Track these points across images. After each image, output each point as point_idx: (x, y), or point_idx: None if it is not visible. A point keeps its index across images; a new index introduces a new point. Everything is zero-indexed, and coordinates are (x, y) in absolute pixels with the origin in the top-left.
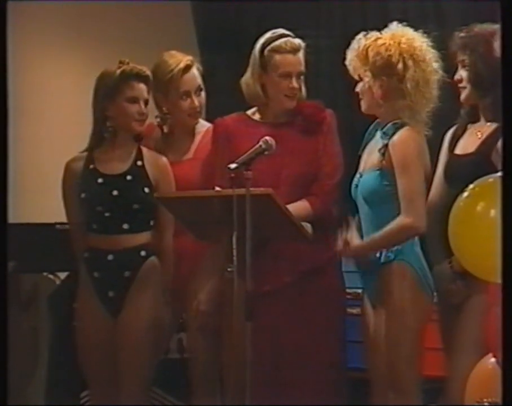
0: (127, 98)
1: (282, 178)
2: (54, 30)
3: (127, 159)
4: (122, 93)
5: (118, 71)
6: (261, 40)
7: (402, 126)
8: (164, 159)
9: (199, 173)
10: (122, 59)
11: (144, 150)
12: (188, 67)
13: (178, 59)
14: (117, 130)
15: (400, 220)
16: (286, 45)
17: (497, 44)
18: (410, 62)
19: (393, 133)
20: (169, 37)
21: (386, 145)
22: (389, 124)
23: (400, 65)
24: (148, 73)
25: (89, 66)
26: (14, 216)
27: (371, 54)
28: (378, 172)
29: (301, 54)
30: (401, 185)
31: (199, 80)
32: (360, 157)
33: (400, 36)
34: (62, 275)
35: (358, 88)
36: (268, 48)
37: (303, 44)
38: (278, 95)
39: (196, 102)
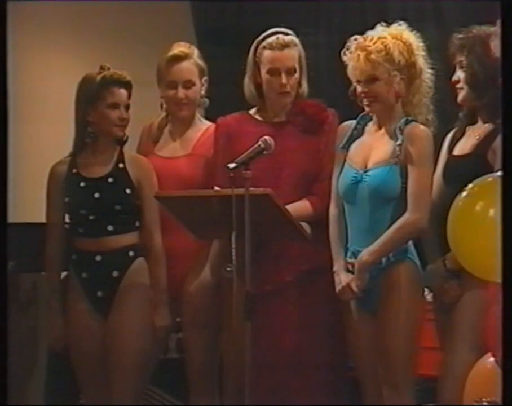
0: (108, 104)
1: (283, 177)
2: (54, 30)
3: (109, 162)
4: (103, 100)
5: (99, 77)
6: (257, 39)
7: (412, 121)
8: (146, 160)
9: (201, 173)
10: (103, 65)
11: (126, 152)
12: (177, 58)
13: (172, 49)
14: (99, 135)
15: (406, 218)
16: (275, 42)
17: (494, 46)
18: (423, 60)
19: (406, 128)
20: (169, 36)
21: (401, 140)
22: (402, 120)
23: (419, 65)
24: (129, 78)
25: (90, 65)
26: (14, 216)
27: (395, 53)
28: (393, 167)
29: (292, 51)
30: (412, 180)
31: (189, 75)
32: (346, 152)
33: (410, 35)
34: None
35: (368, 88)
36: (260, 45)
37: (296, 41)
38: (271, 93)
39: (180, 94)
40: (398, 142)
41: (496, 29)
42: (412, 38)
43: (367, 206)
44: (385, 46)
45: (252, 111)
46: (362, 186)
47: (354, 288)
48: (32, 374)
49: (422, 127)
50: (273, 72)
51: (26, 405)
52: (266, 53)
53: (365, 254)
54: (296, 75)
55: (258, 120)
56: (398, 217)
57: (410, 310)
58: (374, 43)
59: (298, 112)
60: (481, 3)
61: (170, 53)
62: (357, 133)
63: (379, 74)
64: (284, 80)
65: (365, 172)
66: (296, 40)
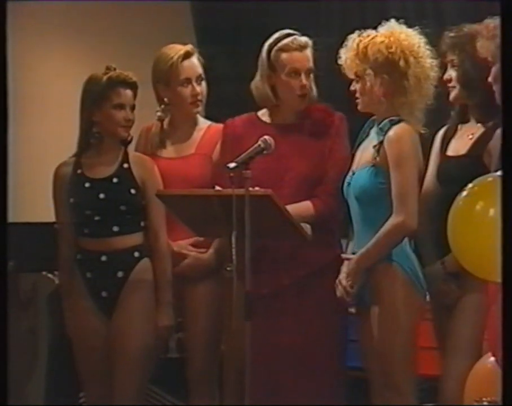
0: (113, 105)
1: (286, 180)
2: (54, 30)
3: (114, 163)
4: (109, 100)
5: (105, 78)
6: (268, 41)
7: (398, 122)
8: (150, 160)
9: (206, 172)
10: (109, 65)
11: (130, 152)
12: (188, 54)
13: (178, 48)
14: (104, 136)
15: (392, 221)
16: (292, 43)
17: (480, 46)
18: (411, 59)
19: (389, 129)
20: (169, 36)
21: (381, 142)
22: (385, 121)
23: (402, 62)
24: (135, 79)
25: (89, 65)
26: (14, 216)
27: (371, 52)
28: (371, 169)
29: (308, 52)
30: (394, 182)
31: (199, 69)
32: (353, 155)
33: (399, 33)
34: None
35: (356, 86)
36: (275, 48)
37: (310, 42)
38: (290, 95)
39: (198, 90)
40: (374, 143)
41: (481, 28)
42: (403, 36)
43: (356, 208)
44: (357, 45)
45: (260, 112)
46: (349, 188)
47: (344, 284)
48: (32, 374)
49: (404, 127)
50: (293, 73)
51: (26, 405)
52: (285, 55)
53: (355, 257)
54: (312, 76)
55: (265, 123)
56: (384, 219)
57: (400, 313)
58: (352, 43)
59: (304, 115)
60: (481, 3)
61: (182, 52)
62: (364, 136)
63: (357, 73)
64: (305, 81)
65: (353, 174)
66: (310, 41)
